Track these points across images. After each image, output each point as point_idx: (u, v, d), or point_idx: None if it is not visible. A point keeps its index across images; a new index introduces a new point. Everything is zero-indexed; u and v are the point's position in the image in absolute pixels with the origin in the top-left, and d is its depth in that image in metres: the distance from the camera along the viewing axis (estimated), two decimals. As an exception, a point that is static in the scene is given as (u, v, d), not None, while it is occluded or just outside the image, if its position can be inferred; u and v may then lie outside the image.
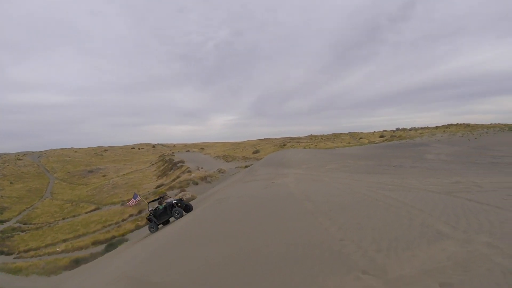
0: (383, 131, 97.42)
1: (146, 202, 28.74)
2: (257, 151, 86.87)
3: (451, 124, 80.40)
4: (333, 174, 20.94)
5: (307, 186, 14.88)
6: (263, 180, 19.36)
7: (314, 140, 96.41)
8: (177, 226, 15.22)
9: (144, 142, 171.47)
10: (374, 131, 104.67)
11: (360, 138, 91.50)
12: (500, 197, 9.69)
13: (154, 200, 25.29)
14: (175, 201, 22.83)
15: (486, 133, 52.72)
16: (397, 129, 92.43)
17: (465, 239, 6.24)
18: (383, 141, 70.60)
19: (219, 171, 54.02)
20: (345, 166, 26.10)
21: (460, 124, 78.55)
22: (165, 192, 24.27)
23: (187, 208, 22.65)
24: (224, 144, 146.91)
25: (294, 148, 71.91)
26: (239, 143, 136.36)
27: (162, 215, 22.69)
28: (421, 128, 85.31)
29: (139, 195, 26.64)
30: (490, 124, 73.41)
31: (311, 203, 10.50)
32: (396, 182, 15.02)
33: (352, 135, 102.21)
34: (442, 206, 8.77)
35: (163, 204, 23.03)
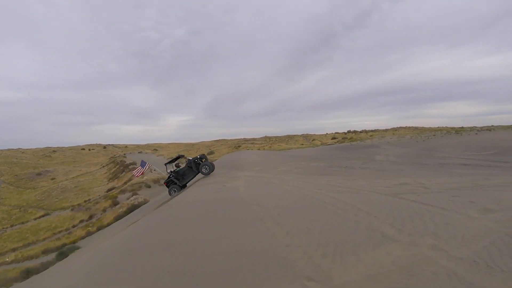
0: (335, 133, 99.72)
1: (152, 168, 26.95)
2: (211, 152, 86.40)
3: (401, 127, 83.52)
4: (285, 176, 20.90)
5: (258, 189, 14.67)
6: (215, 183, 18.99)
7: (268, 142, 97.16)
8: (122, 235, 14.60)
9: (95, 143, 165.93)
10: (327, 133, 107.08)
11: (313, 139, 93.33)
12: (445, 198, 9.85)
13: (171, 162, 23.19)
14: (199, 157, 22.05)
15: (434, 135, 54.99)
16: (349, 131, 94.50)
17: (410, 242, 6.20)
18: (335, 142, 72.22)
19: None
20: (298, 167, 26.22)
21: (409, 127, 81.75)
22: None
23: (211, 167, 22.03)
24: (178, 145, 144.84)
25: (248, 149, 72.00)
26: (193, 144, 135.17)
27: (186, 174, 21.58)
28: (372, 131, 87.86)
29: (147, 162, 24.77)
30: (438, 127, 76.72)
31: (261, 208, 10.27)
32: (346, 184, 15.11)
33: (306, 136, 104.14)
34: (389, 208, 8.79)
35: (180, 166, 22.04)
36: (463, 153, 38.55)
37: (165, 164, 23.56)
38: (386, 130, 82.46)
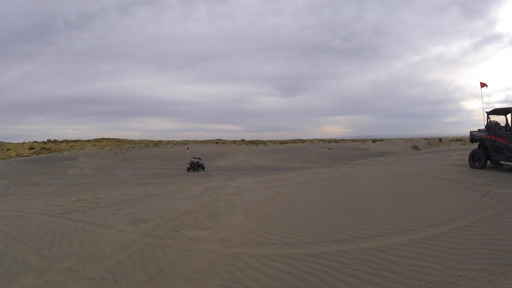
0: (34, 142, 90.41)
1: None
2: None
3: (103, 138, 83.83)
4: None
5: None
6: None
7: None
8: None
9: None
10: (24, 142, 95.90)
11: (8, 149, 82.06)
12: (108, 213, 10.45)
13: (194, 158, 39.59)
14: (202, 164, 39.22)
15: (133, 147, 58.29)
16: (49, 141, 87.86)
17: (47, 268, 6.29)
18: (31, 153, 66.12)
19: None
20: (-30, 189, 22.73)
21: (112, 138, 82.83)
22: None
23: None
24: None
25: None
26: None
27: (195, 166, 37.54)
28: (73, 141, 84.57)
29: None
30: (139, 140, 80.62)
31: None
32: (20, 207, 13.93)
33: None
34: (44, 232, 8.67)
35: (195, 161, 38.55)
36: (158, 163, 42.07)
37: (193, 158, 39.71)
38: (88, 141, 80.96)
